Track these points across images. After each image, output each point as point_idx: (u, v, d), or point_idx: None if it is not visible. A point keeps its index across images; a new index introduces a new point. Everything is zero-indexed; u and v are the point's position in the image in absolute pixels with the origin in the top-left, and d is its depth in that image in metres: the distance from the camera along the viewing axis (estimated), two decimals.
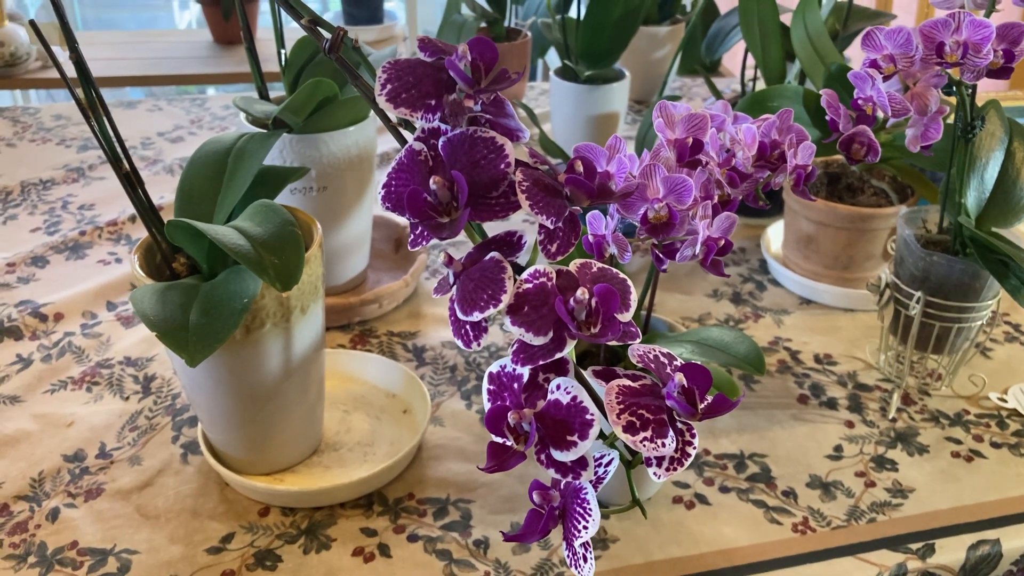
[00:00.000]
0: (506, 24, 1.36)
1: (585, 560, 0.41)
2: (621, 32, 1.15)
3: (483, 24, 1.33)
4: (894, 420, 0.79)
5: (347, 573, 0.63)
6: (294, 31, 1.38)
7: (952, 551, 0.66)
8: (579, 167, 0.40)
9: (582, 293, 0.38)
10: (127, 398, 0.80)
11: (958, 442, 0.76)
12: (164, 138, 1.33)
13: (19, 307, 0.91)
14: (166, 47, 2.24)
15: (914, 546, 0.66)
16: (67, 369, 0.83)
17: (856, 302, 0.94)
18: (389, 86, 0.39)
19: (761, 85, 1.22)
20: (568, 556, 0.41)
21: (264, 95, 0.83)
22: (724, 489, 0.71)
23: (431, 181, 0.38)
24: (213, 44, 2.23)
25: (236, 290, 0.56)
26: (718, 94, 1.12)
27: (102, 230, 1.06)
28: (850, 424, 0.78)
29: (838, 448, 0.75)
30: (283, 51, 0.85)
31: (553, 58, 1.56)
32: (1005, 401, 0.81)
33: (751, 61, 1.15)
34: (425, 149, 0.40)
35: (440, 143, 0.40)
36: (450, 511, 0.68)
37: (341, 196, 0.86)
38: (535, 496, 0.42)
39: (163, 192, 1.14)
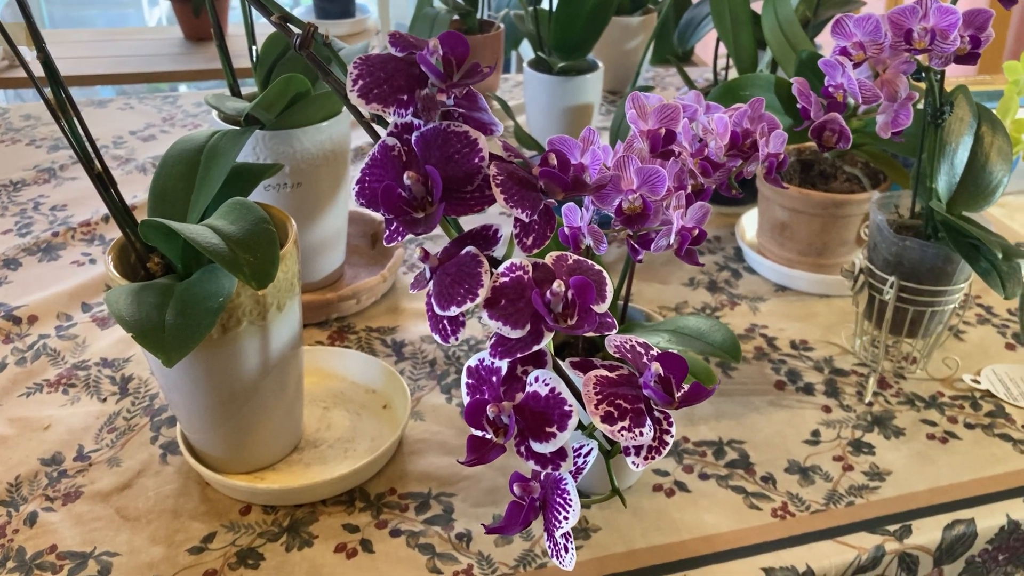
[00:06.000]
0: (479, 16, 1.36)
1: (566, 550, 0.41)
2: (593, 23, 1.15)
3: (455, 16, 1.32)
4: (870, 404, 0.80)
5: (330, 569, 0.63)
6: (265, 26, 1.37)
7: (928, 532, 0.67)
8: (553, 160, 0.40)
9: (558, 285, 0.38)
10: (104, 399, 0.79)
11: (933, 424, 0.77)
12: (136, 137, 1.32)
13: None
14: (136, 45, 2.22)
15: (891, 528, 0.67)
16: (42, 372, 0.82)
17: (831, 288, 0.94)
18: (361, 82, 0.39)
19: (734, 74, 1.23)
20: (550, 547, 0.42)
21: (236, 92, 0.83)
22: (704, 476, 0.72)
23: (405, 176, 0.38)
24: (184, 41, 2.21)
25: (211, 289, 0.56)
26: (691, 84, 1.12)
27: (75, 231, 1.05)
28: (827, 409, 0.79)
29: (815, 433, 0.76)
30: (254, 47, 0.84)
31: (527, 49, 1.56)
32: (979, 383, 0.82)
33: (723, 50, 1.16)
34: (398, 144, 0.40)
35: (413, 138, 0.40)
36: (432, 505, 0.69)
37: (316, 192, 0.85)
38: (515, 488, 0.42)
39: (136, 191, 1.13)
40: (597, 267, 0.41)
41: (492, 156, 0.40)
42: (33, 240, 1.03)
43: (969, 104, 0.77)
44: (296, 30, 0.43)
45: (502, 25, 1.36)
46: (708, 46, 1.40)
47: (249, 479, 0.69)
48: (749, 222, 1.05)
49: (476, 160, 0.39)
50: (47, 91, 0.58)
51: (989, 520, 0.68)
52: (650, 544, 0.65)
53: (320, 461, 0.72)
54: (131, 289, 0.57)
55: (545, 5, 1.21)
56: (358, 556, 0.64)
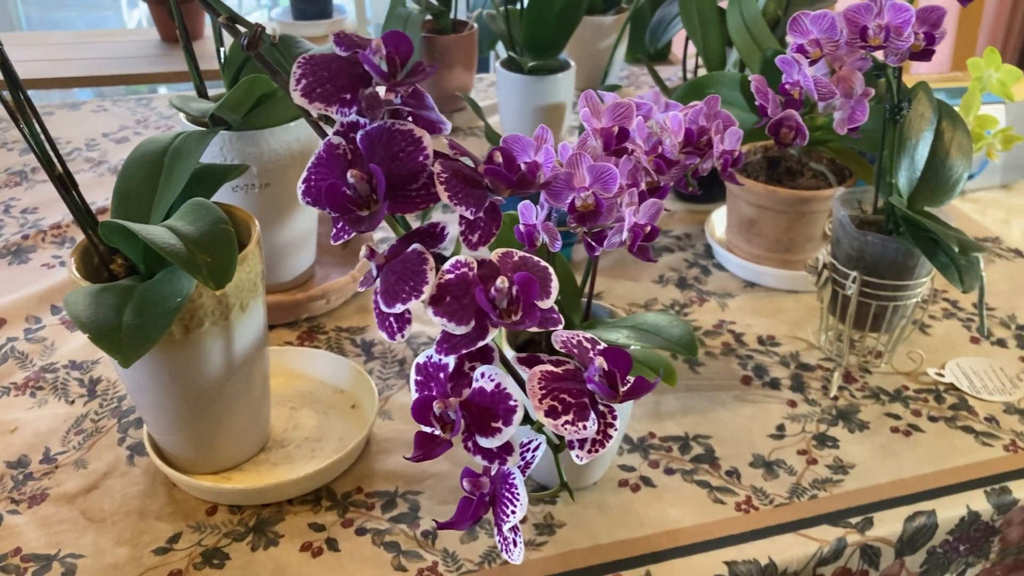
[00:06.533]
0: (452, 16, 1.36)
1: (515, 544, 0.41)
2: (564, 23, 1.16)
3: (428, 16, 1.33)
4: (835, 398, 0.80)
5: (295, 568, 0.63)
6: None
7: (889, 524, 0.67)
8: (498, 158, 0.40)
9: (502, 282, 0.38)
10: (72, 402, 0.79)
11: (897, 417, 0.78)
12: (109, 139, 1.31)
13: None
14: (114, 47, 2.21)
15: (853, 520, 0.67)
16: (10, 375, 0.82)
17: (798, 284, 0.95)
18: (304, 81, 0.39)
19: (704, 72, 1.23)
20: (499, 541, 0.42)
21: (202, 93, 0.83)
22: (669, 471, 0.72)
23: (348, 174, 0.38)
24: (161, 43, 2.21)
25: (170, 290, 0.56)
26: (660, 82, 1.13)
27: (45, 234, 1.05)
28: (792, 403, 0.80)
29: (781, 427, 0.77)
30: (222, 48, 0.84)
31: (503, 50, 1.57)
32: (943, 376, 0.83)
33: (694, 49, 1.16)
34: (344, 143, 0.40)
35: (359, 136, 0.40)
36: (398, 503, 0.69)
37: (284, 192, 0.85)
38: (465, 483, 0.42)
39: (108, 194, 1.12)
40: (543, 263, 0.41)
41: (437, 154, 0.40)
42: (3, 243, 1.03)
43: (929, 100, 0.78)
44: (244, 30, 0.43)
45: (475, 25, 1.36)
46: (683, 44, 1.40)
47: (215, 479, 0.69)
48: (719, 219, 1.06)
49: (420, 158, 0.39)
50: (6, 94, 0.58)
51: (950, 511, 0.69)
52: (614, 539, 0.66)
53: (287, 461, 0.72)
54: (91, 291, 0.57)
55: (518, 5, 1.22)
56: (323, 555, 0.64)
